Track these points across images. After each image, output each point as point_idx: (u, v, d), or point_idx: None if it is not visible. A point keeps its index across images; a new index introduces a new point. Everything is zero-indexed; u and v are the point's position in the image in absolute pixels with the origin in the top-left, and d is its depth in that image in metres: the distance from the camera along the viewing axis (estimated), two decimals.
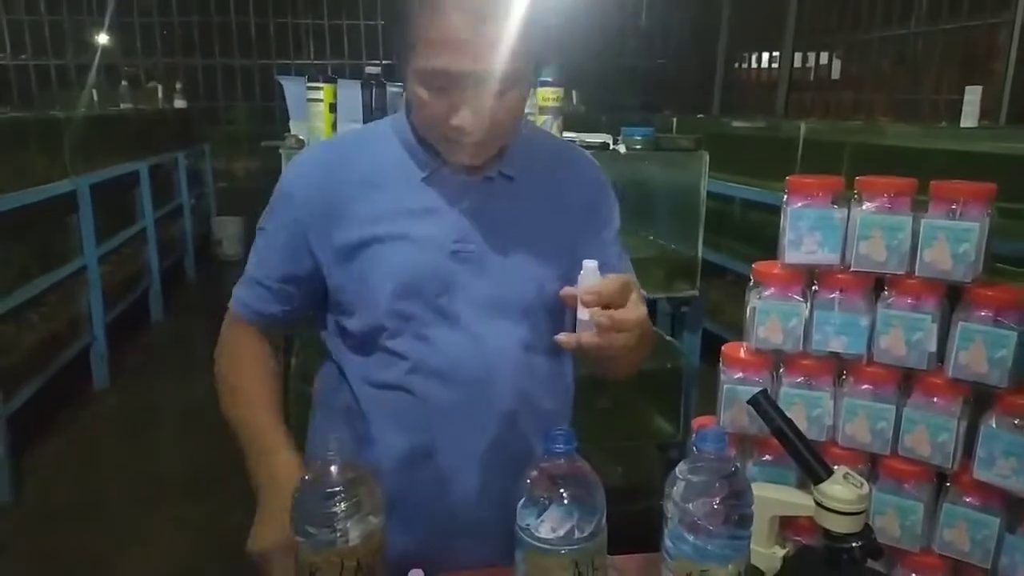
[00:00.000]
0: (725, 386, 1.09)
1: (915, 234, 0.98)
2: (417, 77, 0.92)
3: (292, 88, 2.16)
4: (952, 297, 1.00)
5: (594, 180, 1.14)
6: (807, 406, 1.07)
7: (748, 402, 0.98)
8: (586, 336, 0.85)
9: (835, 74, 6.58)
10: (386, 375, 1.04)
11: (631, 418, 2.07)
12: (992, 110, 4.42)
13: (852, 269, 1.02)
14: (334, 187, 1.04)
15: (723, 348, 1.12)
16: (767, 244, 3.19)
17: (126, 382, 4.14)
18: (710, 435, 0.81)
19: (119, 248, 4.58)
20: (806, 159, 3.68)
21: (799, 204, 1.03)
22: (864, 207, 1.01)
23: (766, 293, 1.07)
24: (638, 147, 1.95)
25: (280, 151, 1.72)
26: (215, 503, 2.83)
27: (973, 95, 2.92)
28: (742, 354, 1.09)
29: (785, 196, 1.06)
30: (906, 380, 1.04)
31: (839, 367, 1.07)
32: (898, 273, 1.00)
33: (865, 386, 1.05)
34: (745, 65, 7.74)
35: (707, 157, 1.95)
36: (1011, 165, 2.60)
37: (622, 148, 1.97)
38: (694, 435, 0.84)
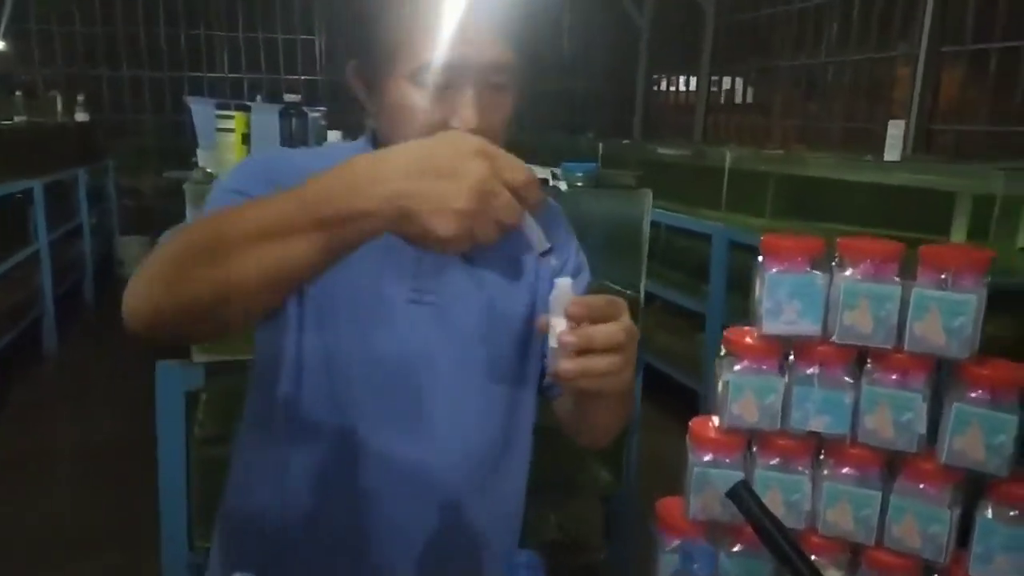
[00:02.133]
0: (695, 469, 0.97)
1: (903, 304, 0.89)
2: (410, 78, 0.83)
3: (201, 112, 1.97)
4: (941, 372, 0.91)
5: (560, 229, 1.06)
6: (784, 490, 0.96)
7: (728, 495, 0.86)
8: (562, 364, 0.71)
9: (748, 99, 6.72)
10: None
11: (570, 468, 1.96)
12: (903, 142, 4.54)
13: (835, 341, 0.92)
14: None
15: (691, 425, 1.01)
16: (693, 271, 3.13)
17: (11, 423, 3.78)
18: (698, 553, 0.69)
19: (7, 273, 4.20)
20: (732, 187, 3.69)
21: (776, 269, 0.93)
22: (848, 273, 0.91)
23: (739, 366, 0.96)
24: (579, 184, 1.84)
25: (184, 186, 1.53)
26: (116, 559, 2.56)
27: (896, 129, 2.96)
28: (712, 433, 0.98)
29: (760, 259, 0.95)
30: (891, 463, 0.94)
31: (817, 448, 0.97)
32: (885, 347, 0.90)
33: (847, 469, 0.95)
34: (664, 88, 7.84)
35: (650, 195, 1.87)
36: (939, 199, 2.63)
37: (563, 185, 1.86)
38: (681, 550, 0.72)
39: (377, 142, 0.98)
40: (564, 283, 0.70)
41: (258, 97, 4.75)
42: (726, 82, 6.96)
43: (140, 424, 2.36)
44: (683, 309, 3.54)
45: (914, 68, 4.70)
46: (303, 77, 7.29)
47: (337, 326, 0.94)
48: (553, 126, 7.27)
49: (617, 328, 0.73)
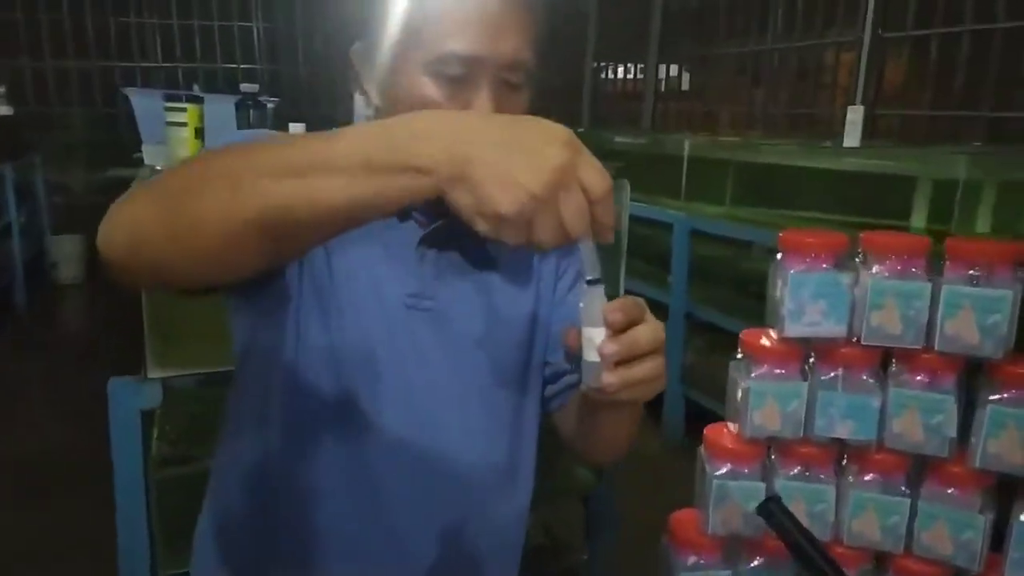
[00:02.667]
0: (714, 482, 0.91)
1: (933, 302, 0.85)
2: (425, 67, 0.76)
3: (145, 105, 1.82)
4: (970, 373, 0.87)
5: None
6: (808, 500, 0.91)
7: (758, 512, 0.80)
8: (605, 377, 0.63)
9: (696, 87, 6.74)
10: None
11: (549, 467, 1.89)
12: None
13: (863, 343, 0.87)
14: None
15: (706, 433, 0.95)
16: (652, 259, 3.08)
17: None
18: None
19: None
20: (691, 175, 3.66)
21: (799, 268, 0.87)
22: (874, 270, 0.86)
23: (759, 371, 0.90)
24: None
25: (135, 184, 1.39)
26: None
27: (855, 115, 2.96)
28: (730, 443, 0.92)
29: (779, 256, 0.89)
30: (917, 468, 0.90)
31: (839, 454, 0.92)
32: (914, 347, 0.86)
33: (872, 476, 0.90)
34: (611, 75, 7.82)
35: (628, 187, 1.81)
36: (901, 184, 2.64)
37: None
38: None
39: None
40: (597, 291, 0.62)
41: (195, 86, 4.54)
42: (673, 69, 6.97)
43: (79, 436, 2.21)
44: (644, 298, 3.50)
45: (858, 54, 4.76)
46: (242, 66, 7.03)
47: (329, 332, 0.85)
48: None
49: (656, 328, 0.66)
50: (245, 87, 1.65)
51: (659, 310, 3.54)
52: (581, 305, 0.63)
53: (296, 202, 0.56)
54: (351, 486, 0.87)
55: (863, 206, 2.86)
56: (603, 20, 7.55)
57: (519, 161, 0.53)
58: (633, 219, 3.83)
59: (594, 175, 0.55)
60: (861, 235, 0.89)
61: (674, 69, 6.90)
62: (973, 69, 4.01)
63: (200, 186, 0.59)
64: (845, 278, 0.86)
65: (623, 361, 0.64)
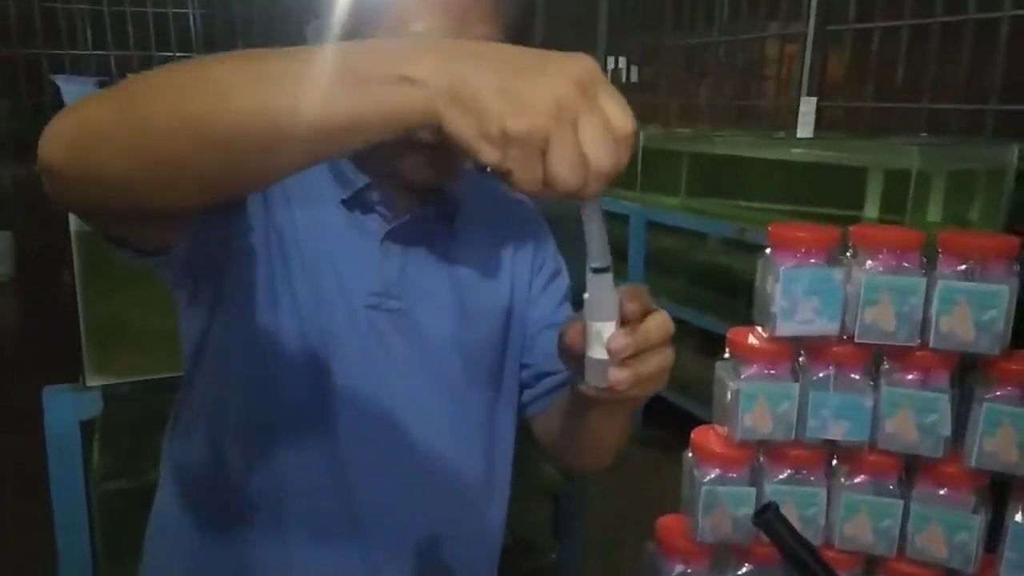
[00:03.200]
0: (703, 487, 0.87)
1: (927, 298, 0.82)
2: None
3: (76, 93, 1.70)
4: (964, 370, 0.85)
5: (538, 230, 0.94)
6: (798, 504, 0.88)
7: (755, 523, 0.76)
8: (615, 374, 0.56)
9: (644, 79, 6.76)
10: None
11: (516, 465, 1.84)
12: (793, 117, 4.67)
13: (857, 341, 0.83)
14: None
15: (693, 437, 0.91)
16: (611, 252, 3.09)
17: None
18: None
19: None
20: (646, 167, 3.65)
21: (790, 263, 0.83)
22: (867, 266, 0.83)
23: (749, 372, 0.86)
24: None
25: None
26: None
27: (808, 106, 2.98)
28: (719, 447, 0.88)
29: (768, 251, 0.86)
30: (910, 469, 0.87)
31: (829, 455, 0.89)
32: (908, 345, 0.83)
33: (864, 478, 0.87)
34: None
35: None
36: (855, 175, 2.66)
37: None
38: None
39: None
40: (605, 280, 0.55)
41: (128, 76, 4.33)
42: (622, 61, 6.97)
43: (13, 450, 2.07)
44: None
45: (803, 46, 4.82)
46: (177, 54, 6.78)
47: (286, 333, 0.78)
48: None
49: (664, 318, 0.60)
50: None
51: None
52: (586, 296, 0.56)
53: (270, 109, 0.48)
54: (315, 495, 0.80)
55: (817, 197, 2.89)
56: (550, 12, 7.50)
57: (530, 74, 0.45)
58: None
59: (618, 107, 0.47)
60: (851, 229, 0.85)
61: (623, 61, 6.91)
62: (912, 62, 4.10)
63: (166, 88, 0.51)
64: (838, 274, 0.82)
65: (632, 355, 0.58)
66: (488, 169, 0.48)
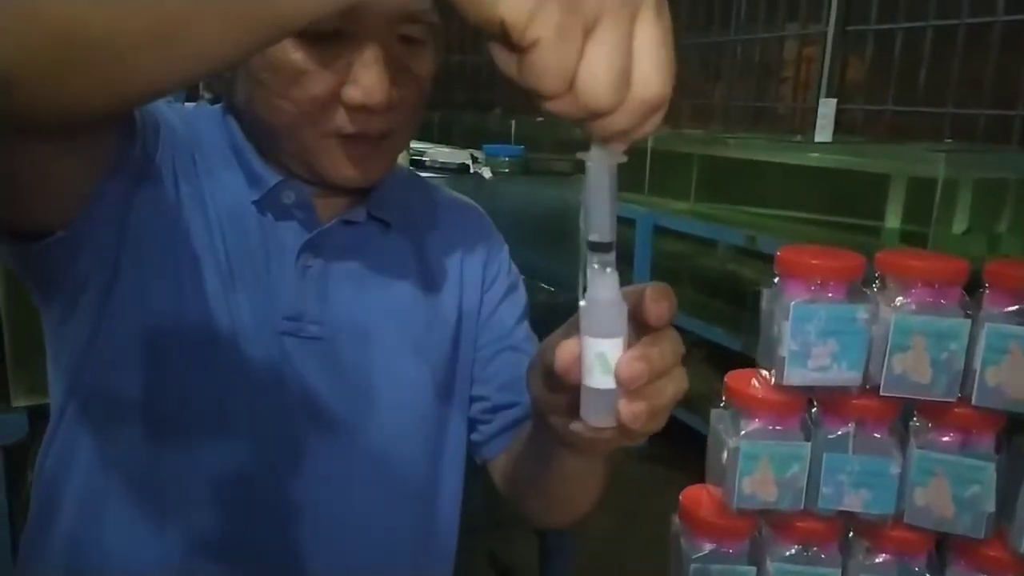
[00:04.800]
0: (692, 565, 0.72)
1: (971, 344, 0.67)
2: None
3: None
4: (1011, 431, 0.69)
5: (489, 238, 0.81)
6: None
7: None
8: (627, 408, 0.41)
9: None
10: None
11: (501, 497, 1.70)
12: (811, 120, 4.50)
13: (882, 393, 0.68)
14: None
15: (683, 501, 0.76)
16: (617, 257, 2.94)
17: None
18: None
19: None
20: (655, 169, 3.50)
21: (803, 296, 0.68)
22: (897, 302, 0.68)
23: (751, 427, 0.71)
24: (505, 170, 1.57)
25: None
26: None
27: (828, 108, 2.81)
28: (713, 515, 0.73)
29: (775, 280, 0.71)
30: (943, 548, 0.72)
31: (845, 528, 0.74)
32: (946, 400, 0.68)
33: (887, 557, 0.72)
34: None
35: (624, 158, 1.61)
36: (876, 182, 2.50)
37: (486, 172, 1.58)
38: None
39: (237, 112, 0.69)
40: (609, 279, 0.40)
41: None
42: None
43: None
44: None
45: (823, 47, 4.65)
46: None
47: (175, 374, 0.64)
48: (457, 104, 6.94)
49: (675, 333, 0.45)
50: None
51: None
52: (583, 304, 0.41)
53: None
54: (224, 555, 0.67)
55: (834, 205, 2.73)
56: None
57: None
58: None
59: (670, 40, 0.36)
60: (878, 256, 0.70)
61: None
62: (936, 65, 3.92)
63: None
64: (862, 311, 0.67)
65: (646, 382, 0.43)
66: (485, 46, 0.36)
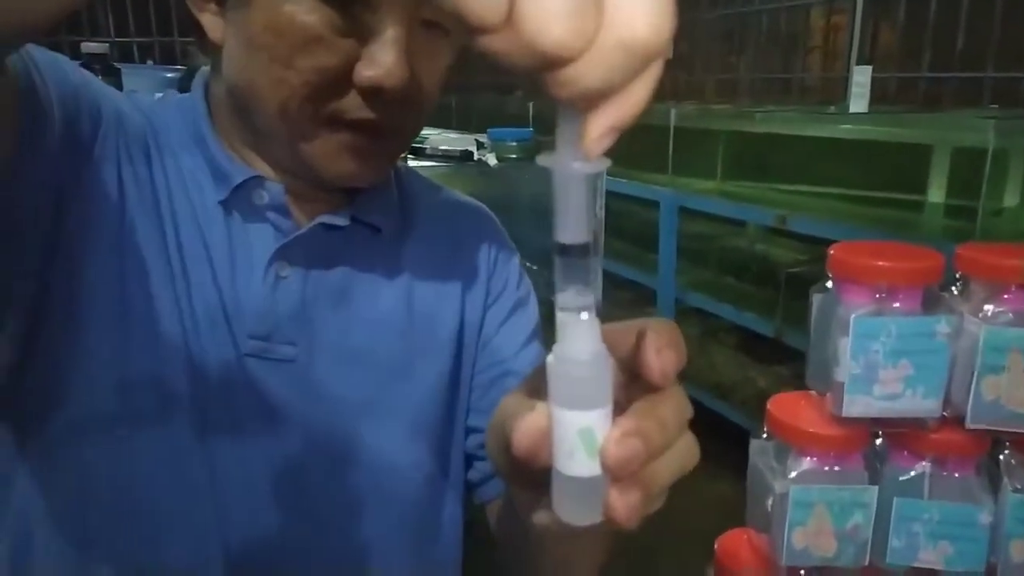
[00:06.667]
0: None
1: None
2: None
3: None
4: None
5: (497, 246, 0.71)
6: None
7: None
8: (619, 501, 0.30)
9: (676, 54, 6.41)
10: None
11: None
12: (841, 91, 4.30)
13: (969, 426, 0.55)
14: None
15: (719, 549, 0.63)
16: (636, 239, 2.77)
17: None
18: None
19: None
20: (679, 148, 3.34)
21: (865, 307, 0.54)
22: (986, 311, 0.54)
23: (801, 466, 0.58)
24: (513, 156, 1.43)
25: None
26: None
27: (863, 75, 2.63)
28: (757, 571, 0.60)
29: (828, 285, 0.57)
30: None
31: None
32: None
33: None
34: None
35: (603, 171, 1.48)
36: (917, 153, 2.32)
37: (492, 159, 1.44)
38: None
39: (215, 95, 0.59)
40: (586, 349, 0.29)
41: None
42: None
43: None
44: (630, 282, 3.21)
45: (852, 15, 4.44)
46: (178, 38, 6.57)
47: (113, 402, 0.55)
48: (473, 85, 6.79)
49: (680, 392, 0.33)
50: (89, 48, 1.30)
51: (645, 295, 3.25)
52: (551, 361, 0.29)
53: None
54: None
55: (870, 179, 2.56)
56: None
57: None
58: (614, 196, 3.52)
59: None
60: (959, 251, 0.56)
61: None
62: (974, 28, 3.72)
63: None
64: (942, 325, 0.53)
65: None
66: None
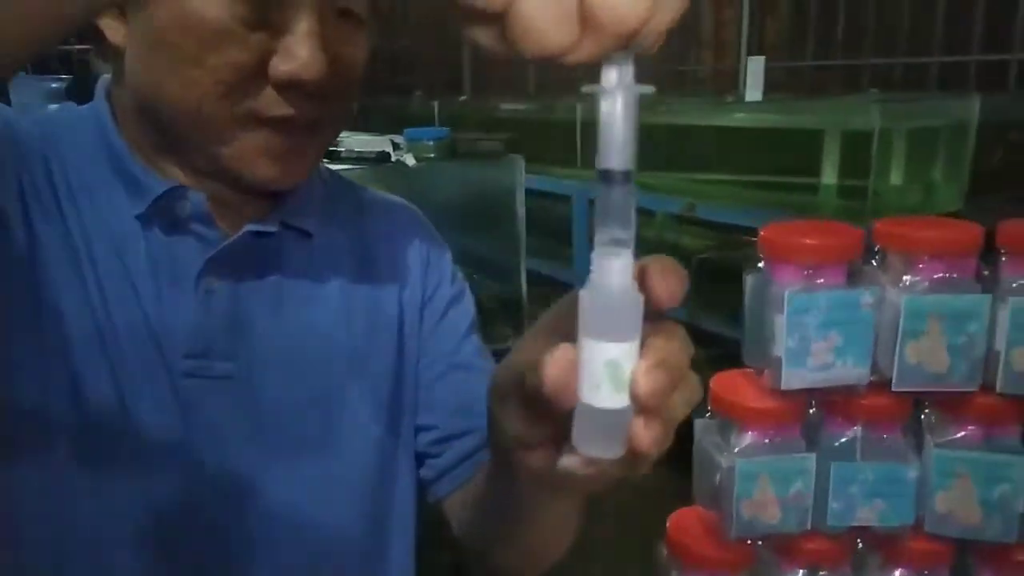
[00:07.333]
0: None
1: (992, 323, 0.57)
2: None
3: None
4: None
5: (428, 243, 0.70)
6: None
7: None
8: (644, 433, 0.31)
9: None
10: None
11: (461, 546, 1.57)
12: (731, 82, 4.48)
13: (894, 388, 0.58)
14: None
15: (670, 525, 0.65)
16: (550, 234, 2.81)
17: None
18: None
19: None
20: (586, 143, 3.39)
21: (796, 284, 0.57)
22: (905, 281, 0.57)
23: (745, 440, 0.60)
24: (431, 155, 1.43)
25: None
26: None
27: (756, 65, 2.74)
28: (707, 543, 0.63)
29: (760, 266, 0.60)
30: (967, 557, 0.63)
31: (851, 543, 0.64)
32: (967, 390, 0.58)
33: (903, 572, 0.63)
34: None
35: (522, 162, 1.49)
36: (809, 137, 2.44)
37: (410, 159, 1.43)
38: None
39: (120, 104, 0.56)
40: (620, 283, 0.30)
41: None
42: None
43: None
44: (547, 277, 3.25)
45: (739, 9, 4.63)
46: None
47: (52, 429, 0.52)
48: (377, 87, 6.72)
49: (679, 327, 0.36)
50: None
51: (561, 289, 3.28)
52: (584, 295, 0.31)
53: None
54: None
55: (769, 164, 2.67)
56: None
57: None
58: (527, 192, 3.56)
59: None
60: (877, 225, 0.60)
61: None
62: (852, 17, 3.94)
63: None
64: (866, 296, 0.56)
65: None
66: None
